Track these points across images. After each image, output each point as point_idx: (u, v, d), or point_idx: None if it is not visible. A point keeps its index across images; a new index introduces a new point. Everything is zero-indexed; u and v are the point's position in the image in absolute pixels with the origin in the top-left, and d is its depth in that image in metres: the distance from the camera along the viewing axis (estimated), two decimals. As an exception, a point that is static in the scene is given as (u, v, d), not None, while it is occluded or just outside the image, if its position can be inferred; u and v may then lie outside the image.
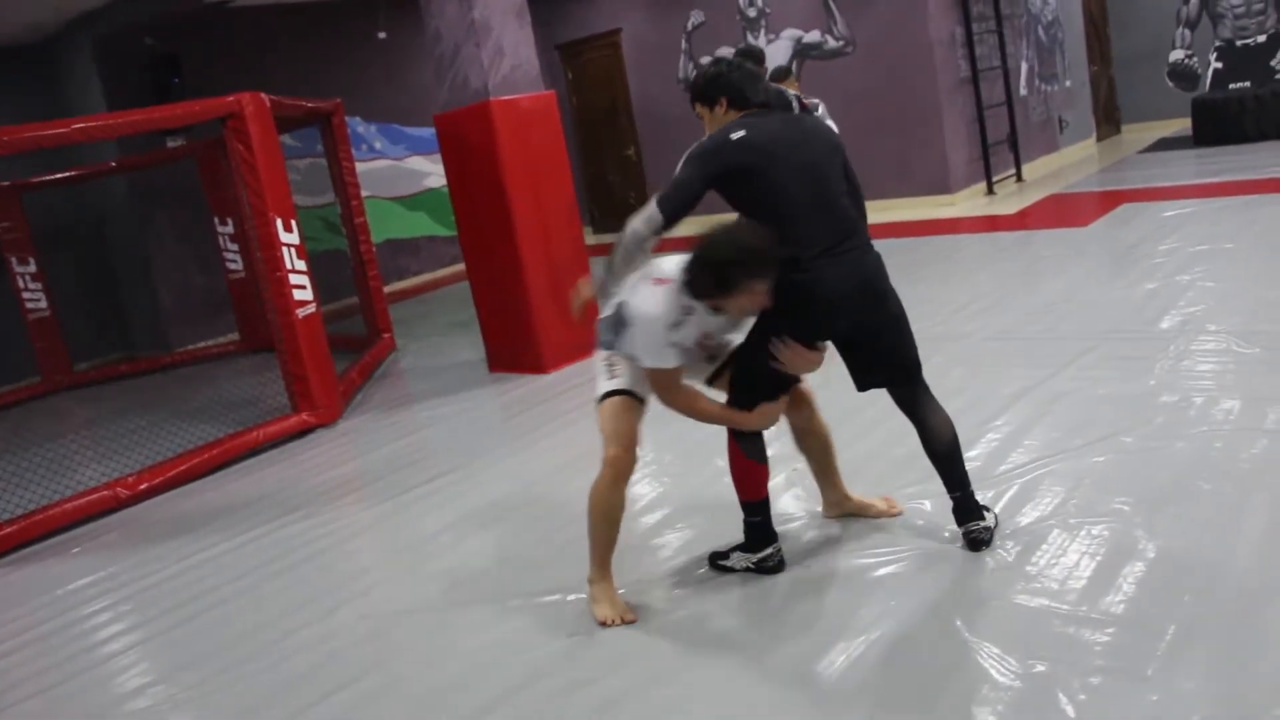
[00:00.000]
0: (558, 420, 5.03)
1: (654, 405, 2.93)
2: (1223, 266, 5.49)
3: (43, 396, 8.18)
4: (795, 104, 5.55)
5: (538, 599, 3.14)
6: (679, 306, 2.72)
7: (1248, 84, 10.79)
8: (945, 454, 2.96)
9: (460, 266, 9.55)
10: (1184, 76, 11.53)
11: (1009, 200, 9.01)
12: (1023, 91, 10.10)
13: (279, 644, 3.17)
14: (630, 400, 2.88)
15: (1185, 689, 2.20)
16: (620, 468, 2.84)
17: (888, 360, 2.93)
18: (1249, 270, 5.36)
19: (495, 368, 6.22)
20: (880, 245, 2.91)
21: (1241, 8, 10.99)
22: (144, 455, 5.32)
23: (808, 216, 2.72)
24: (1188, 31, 11.41)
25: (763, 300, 2.68)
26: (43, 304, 8.26)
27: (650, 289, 2.74)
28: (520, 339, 5.97)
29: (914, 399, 2.97)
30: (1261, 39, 10.96)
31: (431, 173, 8.89)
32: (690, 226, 2.80)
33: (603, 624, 2.89)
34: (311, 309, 5.60)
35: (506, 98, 5.73)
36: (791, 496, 3.52)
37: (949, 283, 6.37)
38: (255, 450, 5.32)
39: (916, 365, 2.95)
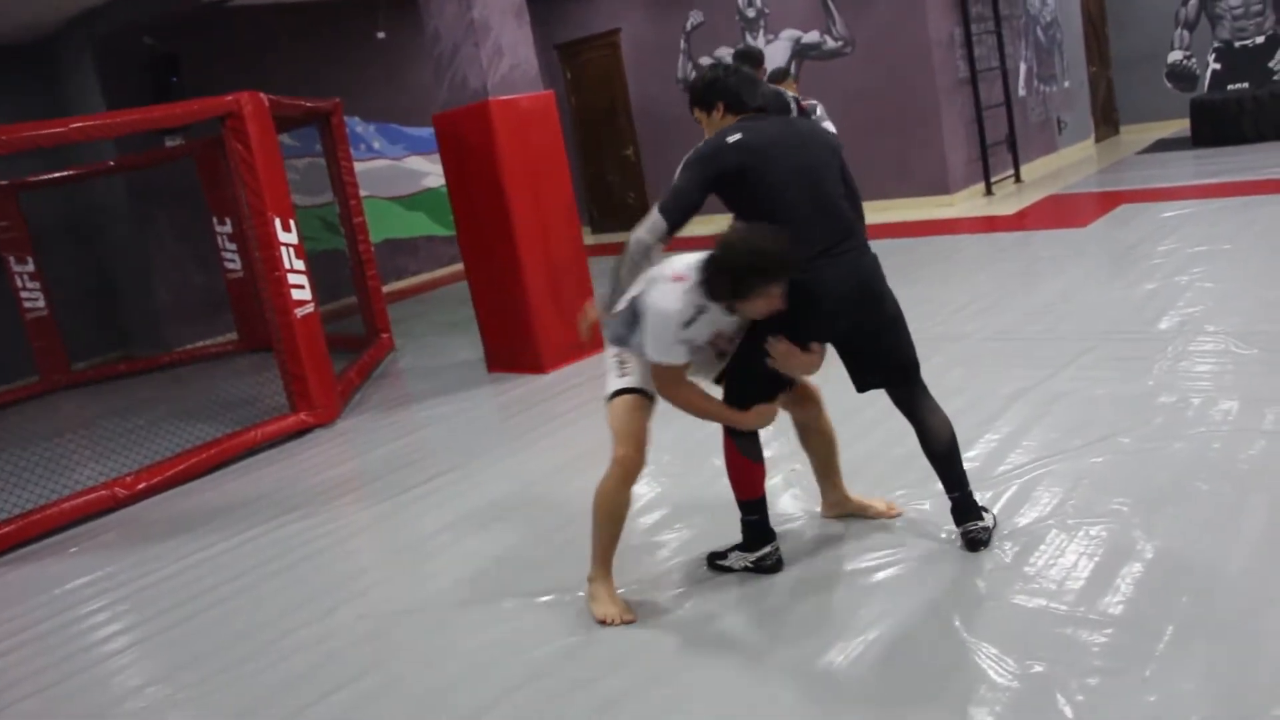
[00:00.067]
0: (556, 420, 5.03)
1: (658, 405, 2.93)
2: (1221, 267, 5.49)
3: (41, 396, 8.18)
4: (794, 106, 5.55)
5: (537, 599, 3.14)
6: (693, 305, 2.71)
7: (1246, 85, 10.80)
8: (944, 454, 2.96)
9: (459, 266, 9.57)
10: (1182, 77, 11.54)
11: (1008, 201, 9.01)
12: (1021, 92, 10.11)
13: (277, 644, 3.17)
14: (641, 399, 2.87)
15: (1183, 689, 2.20)
16: (629, 467, 2.84)
17: (886, 361, 2.94)
18: (1247, 271, 5.37)
19: (494, 368, 6.22)
20: (879, 246, 2.92)
21: (1240, 9, 11.00)
22: (142, 455, 5.32)
23: (805, 218, 2.73)
24: (1186, 32, 11.42)
25: (777, 303, 2.68)
26: (41, 303, 8.25)
27: (667, 285, 2.74)
28: (519, 339, 5.97)
29: (912, 399, 2.98)
30: (1260, 40, 10.97)
31: (430, 172, 8.89)
32: (699, 226, 2.80)
33: (602, 623, 2.89)
34: (310, 309, 5.60)
35: (505, 97, 5.73)
36: (790, 497, 3.52)
37: (948, 283, 6.37)
38: (253, 450, 5.32)
39: (915, 366, 2.96)
